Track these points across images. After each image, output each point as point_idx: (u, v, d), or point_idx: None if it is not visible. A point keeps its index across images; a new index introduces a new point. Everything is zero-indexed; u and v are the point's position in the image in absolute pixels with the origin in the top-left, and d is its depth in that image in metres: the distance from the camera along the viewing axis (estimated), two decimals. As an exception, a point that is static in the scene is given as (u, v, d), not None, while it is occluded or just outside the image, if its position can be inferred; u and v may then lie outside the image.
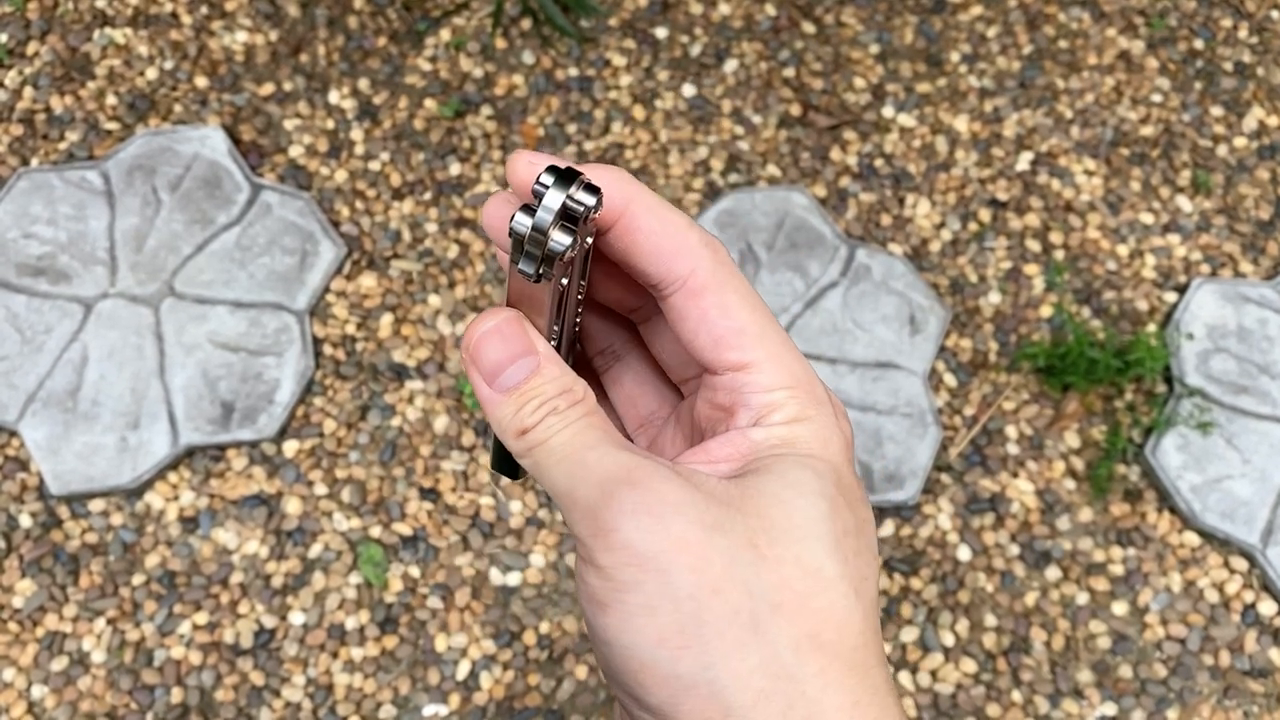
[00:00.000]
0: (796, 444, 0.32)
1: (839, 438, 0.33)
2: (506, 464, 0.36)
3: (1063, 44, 1.88)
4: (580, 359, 0.40)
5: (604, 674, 0.32)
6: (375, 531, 1.52)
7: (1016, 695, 1.47)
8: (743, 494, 0.31)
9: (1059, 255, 1.71)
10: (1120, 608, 1.52)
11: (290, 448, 1.55)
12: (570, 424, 0.32)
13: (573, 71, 1.82)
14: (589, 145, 1.76)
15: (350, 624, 1.47)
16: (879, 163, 1.77)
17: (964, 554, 1.54)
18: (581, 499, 0.31)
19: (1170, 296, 1.69)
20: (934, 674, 1.48)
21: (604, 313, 0.39)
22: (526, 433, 0.32)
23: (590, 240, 0.33)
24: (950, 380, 1.63)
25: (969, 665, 1.48)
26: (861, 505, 0.33)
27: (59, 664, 1.44)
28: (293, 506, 1.53)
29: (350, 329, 1.63)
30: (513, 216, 0.31)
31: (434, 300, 1.65)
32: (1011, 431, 1.60)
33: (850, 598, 0.30)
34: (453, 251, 1.68)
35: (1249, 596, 1.53)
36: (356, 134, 1.76)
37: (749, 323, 0.33)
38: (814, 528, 0.31)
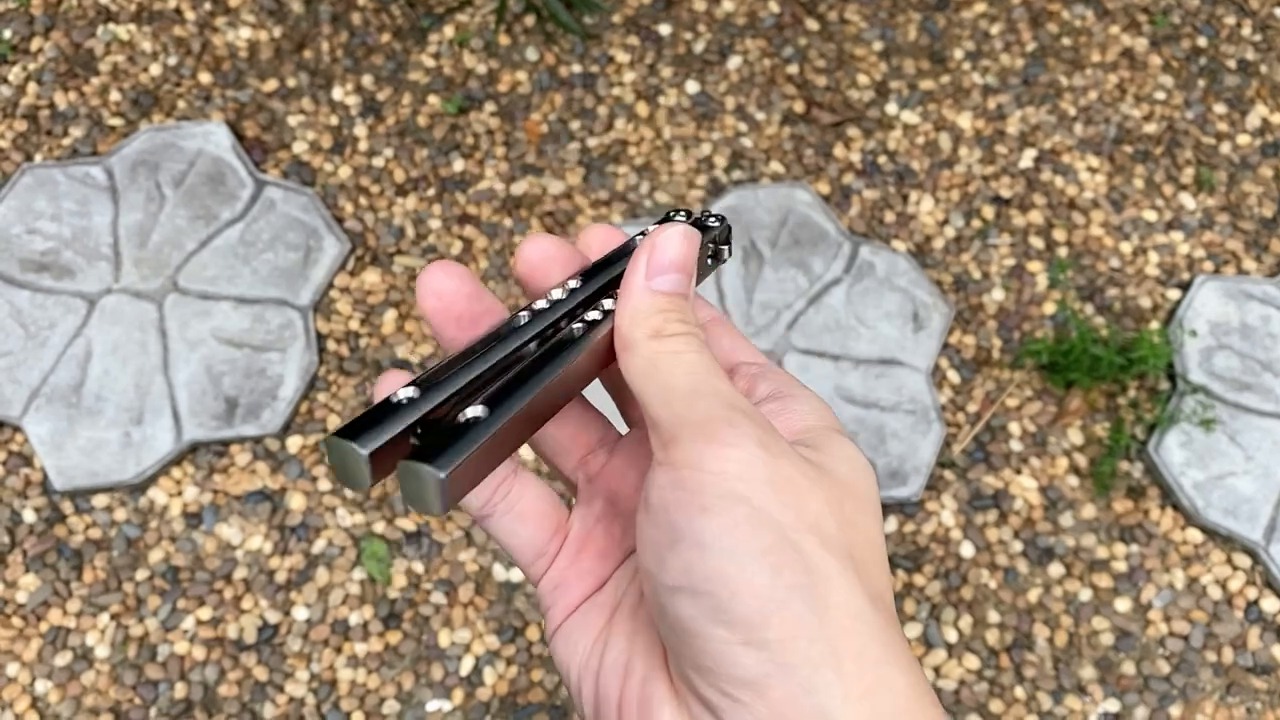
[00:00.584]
0: (838, 426, 0.35)
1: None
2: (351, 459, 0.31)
3: (1066, 41, 1.88)
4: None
5: (668, 588, 0.31)
6: (379, 527, 1.52)
7: (1019, 691, 1.47)
8: (828, 461, 0.33)
9: (1062, 252, 1.71)
10: (1123, 604, 1.52)
11: (294, 443, 1.56)
12: (703, 350, 0.34)
13: (576, 68, 1.82)
14: (592, 142, 1.76)
15: (354, 619, 1.47)
16: (882, 160, 1.77)
17: (967, 550, 1.54)
18: (702, 409, 0.31)
19: (1173, 293, 1.69)
20: (937, 670, 1.48)
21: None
22: (661, 336, 0.33)
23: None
24: (953, 377, 1.63)
25: (972, 661, 1.49)
26: None
27: (63, 659, 1.44)
28: (296, 502, 1.53)
29: (354, 325, 1.63)
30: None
31: (437, 296, 1.65)
32: (1015, 428, 1.60)
33: (889, 579, 0.33)
34: (456, 248, 1.68)
35: (1252, 593, 1.53)
36: (360, 130, 1.76)
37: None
38: (877, 508, 0.33)
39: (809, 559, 0.30)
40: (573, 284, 0.36)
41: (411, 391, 0.32)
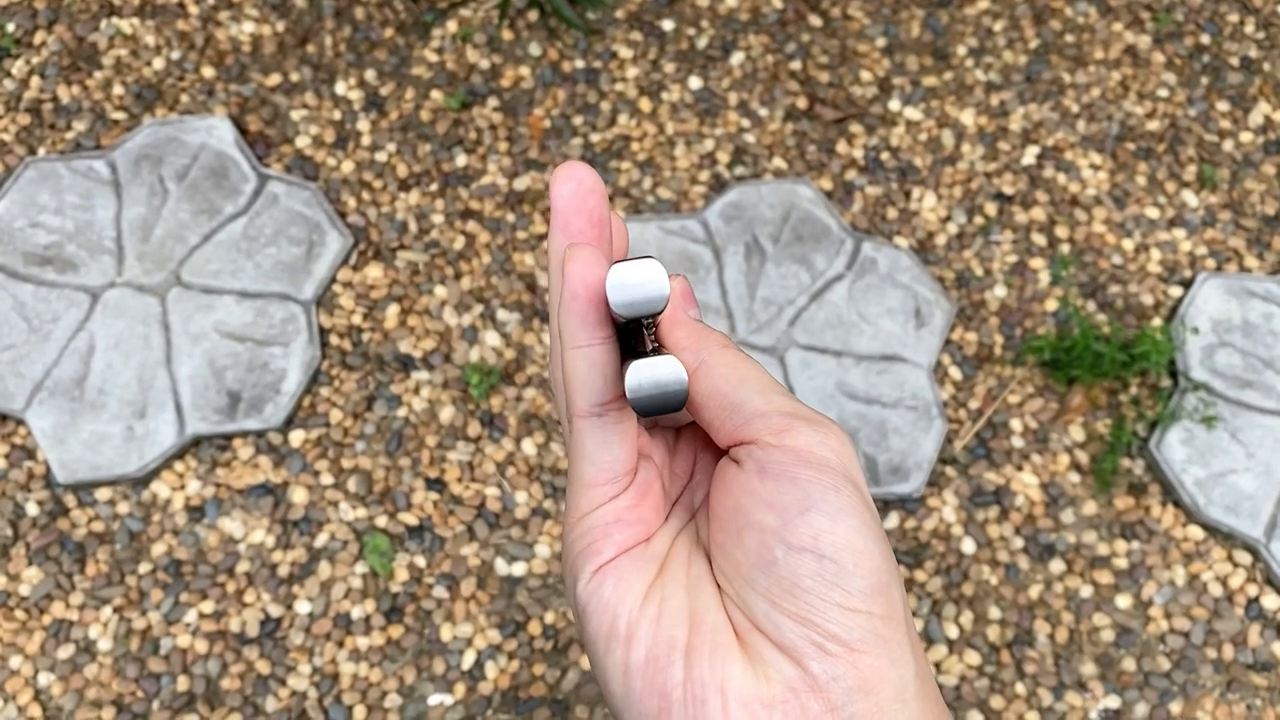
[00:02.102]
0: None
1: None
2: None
3: (1069, 38, 1.88)
4: None
5: (794, 547, 0.33)
6: (381, 521, 1.52)
7: (1020, 687, 1.47)
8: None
9: (1065, 249, 1.71)
10: (1124, 601, 1.52)
11: (296, 437, 1.56)
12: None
13: (579, 63, 1.82)
14: (595, 137, 1.76)
15: (356, 613, 1.48)
16: (885, 156, 1.77)
17: (968, 547, 1.54)
18: (793, 404, 0.36)
19: (1175, 291, 1.69)
20: (938, 666, 1.49)
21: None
22: (727, 346, 0.38)
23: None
24: (955, 373, 1.63)
25: (973, 657, 1.49)
26: None
27: (66, 652, 1.45)
28: (299, 496, 1.53)
29: (356, 319, 1.63)
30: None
31: (440, 291, 1.65)
32: (1016, 425, 1.61)
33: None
34: (459, 243, 1.68)
35: (1253, 590, 1.53)
36: (363, 125, 1.76)
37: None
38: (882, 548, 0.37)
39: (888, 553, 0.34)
40: None
41: None
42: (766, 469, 0.34)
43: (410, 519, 1.52)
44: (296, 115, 1.76)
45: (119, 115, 1.74)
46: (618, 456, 0.37)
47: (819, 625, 0.32)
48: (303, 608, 1.48)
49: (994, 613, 1.51)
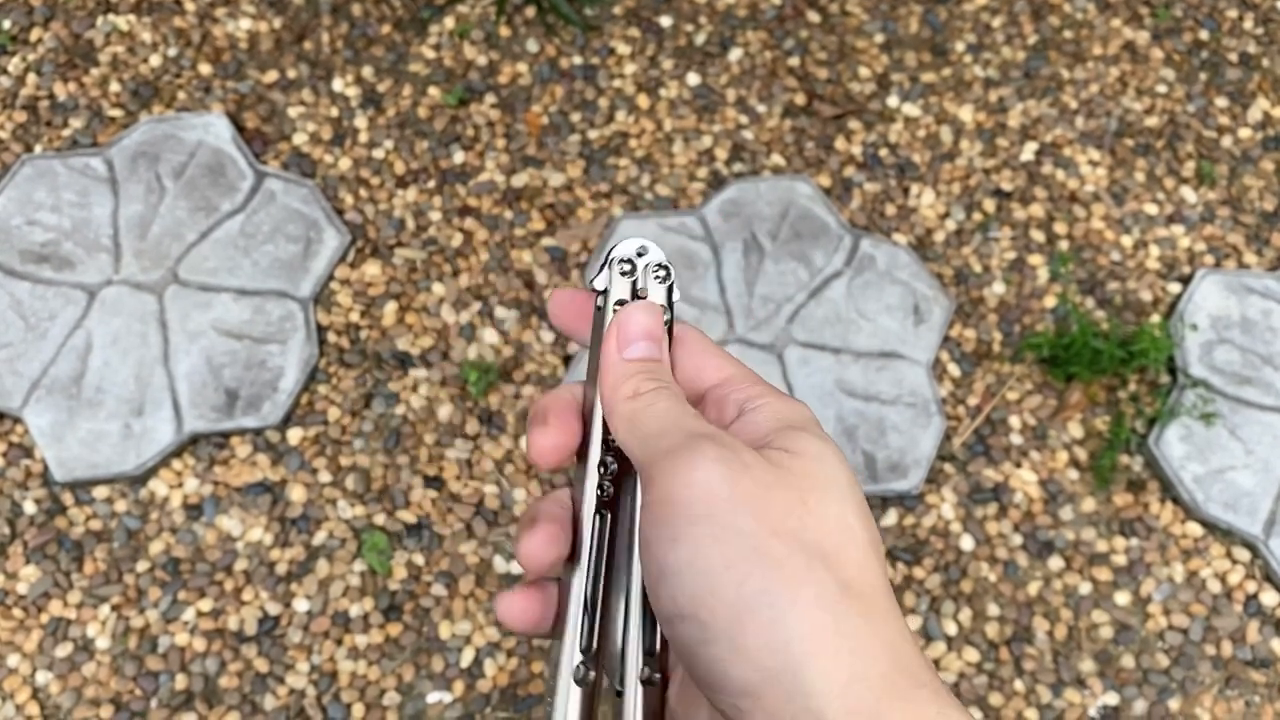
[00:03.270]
0: (794, 417, 0.38)
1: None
2: None
3: (1068, 34, 1.87)
4: None
5: (665, 618, 0.34)
6: (379, 519, 1.52)
7: (1019, 684, 1.47)
8: (790, 459, 0.35)
9: (1063, 246, 1.71)
10: (1123, 598, 1.52)
11: (294, 435, 1.56)
12: (673, 397, 0.38)
13: (577, 60, 1.82)
14: (593, 134, 1.76)
15: (354, 611, 1.48)
16: (883, 152, 1.77)
17: (967, 543, 1.54)
18: (666, 446, 0.35)
19: (1174, 287, 1.69)
20: (937, 663, 1.49)
21: None
22: (638, 395, 0.38)
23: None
24: (954, 370, 1.63)
25: (971, 654, 1.49)
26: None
27: (64, 650, 1.45)
28: (297, 494, 1.53)
29: (354, 317, 1.63)
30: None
31: (438, 288, 1.65)
32: (1015, 421, 1.60)
33: (872, 556, 0.34)
34: (456, 240, 1.68)
35: (1251, 587, 1.53)
36: (360, 122, 1.75)
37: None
38: (846, 492, 0.35)
39: (775, 560, 0.32)
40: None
41: (582, 664, 0.37)
42: (641, 542, 0.36)
43: (408, 517, 1.52)
44: (294, 112, 1.75)
45: (116, 112, 1.74)
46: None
47: (717, 687, 0.32)
48: (301, 606, 1.48)
49: (993, 610, 1.51)
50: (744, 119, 1.78)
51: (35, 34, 1.79)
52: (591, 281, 0.43)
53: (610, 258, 0.43)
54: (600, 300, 0.43)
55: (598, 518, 0.39)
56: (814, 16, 1.87)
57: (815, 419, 0.38)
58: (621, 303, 0.42)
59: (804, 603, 0.32)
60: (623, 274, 0.43)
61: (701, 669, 0.32)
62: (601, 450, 0.40)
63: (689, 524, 0.33)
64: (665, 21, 1.85)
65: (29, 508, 1.51)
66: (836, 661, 0.31)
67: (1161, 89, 1.84)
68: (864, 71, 1.83)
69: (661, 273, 0.43)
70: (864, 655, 0.32)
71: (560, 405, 0.40)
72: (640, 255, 0.44)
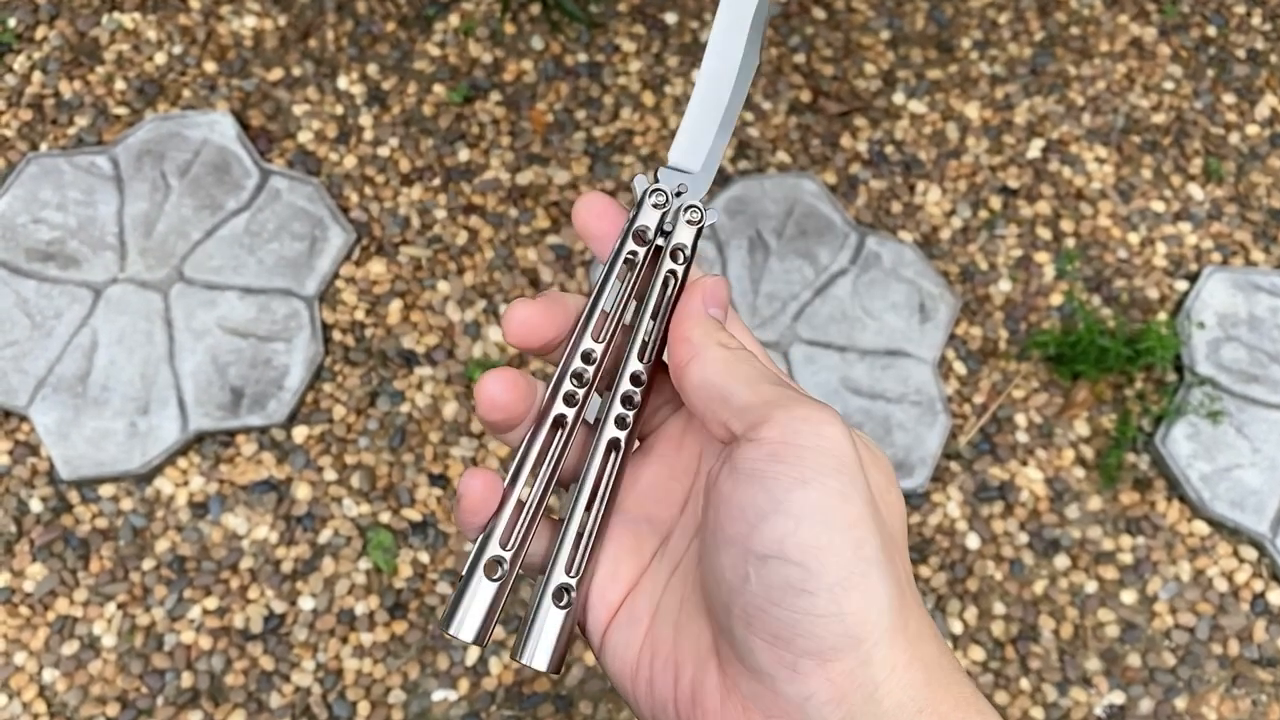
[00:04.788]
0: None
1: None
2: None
3: (1074, 30, 1.87)
4: None
5: (758, 556, 0.33)
6: (385, 517, 1.52)
7: (1025, 683, 1.47)
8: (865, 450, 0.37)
9: (1070, 243, 1.71)
10: (1129, 596, 1.52)
11: (300, 433, 1.56)
12: (762, 360, 0.38)
13: (582, 57, 1.82)
14: (598, 131, 1.76)
15: (360, 609, 1.48)
16: (889, 149, 1.76)
17: (973, 542, 1.54)
18: (786, 394, 0.35)
19: (1181, 285, 1.69)
20: (942, 661, 1.48)
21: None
22: (727, 345, 0.37)
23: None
24: (960, 368, 1.63)
25: (977, 653, 1.49)
26: None
27: (70, 648, 1.45)
28: (302, 492, 1.53)
29: (359, 315, 1.63)
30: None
31: (443, 286, 1.65)
32: (1021, 420, 1.60)
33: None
34: (461, 238, 1.68)
35: (1258, 585, 1.52)
36: (365, 120, 1.75)
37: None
38: (894, 486, 0.37)
39: (883, 532, 0.33)
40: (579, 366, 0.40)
41: (504, 554, 0.38)
42: (738, 470, 0.34)
43: (414, 515, 1.52)
44: (298, 110, 1.75)
45: (121, 110, 1.74)
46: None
47: (790, 643, 0.31)
48: (306, 604, 1.48)
49: (998, 608, 1.51)
50: (749, 116, 1.78)
51: (40, 32, 1.79)
52: (636, 187, 0.42)
53: (648, 188, 0.42)
54: (631, 218, 0.42)
55: (609, 447, 0.39)
56: (819, 13, 1.86)
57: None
58: (642, 233, 0.41)
59: (900, 580, 0.32)
60: (655, 206, 0.42)
61: (781, 620, 0.31)
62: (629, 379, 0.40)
63: (821, 472, 0.32)
64: (670, 18, 1.85)
65: (35, 506, 1.51)
66: (906, 641, 0.32)
67: (1169, 85, 1.83)
68: (870, 68, 1.82)
69: (694, 215, 0.42)
70: (924, 642, 0.32)
71: (552, 296, 0.40)
72: (678, 195, 0.42)
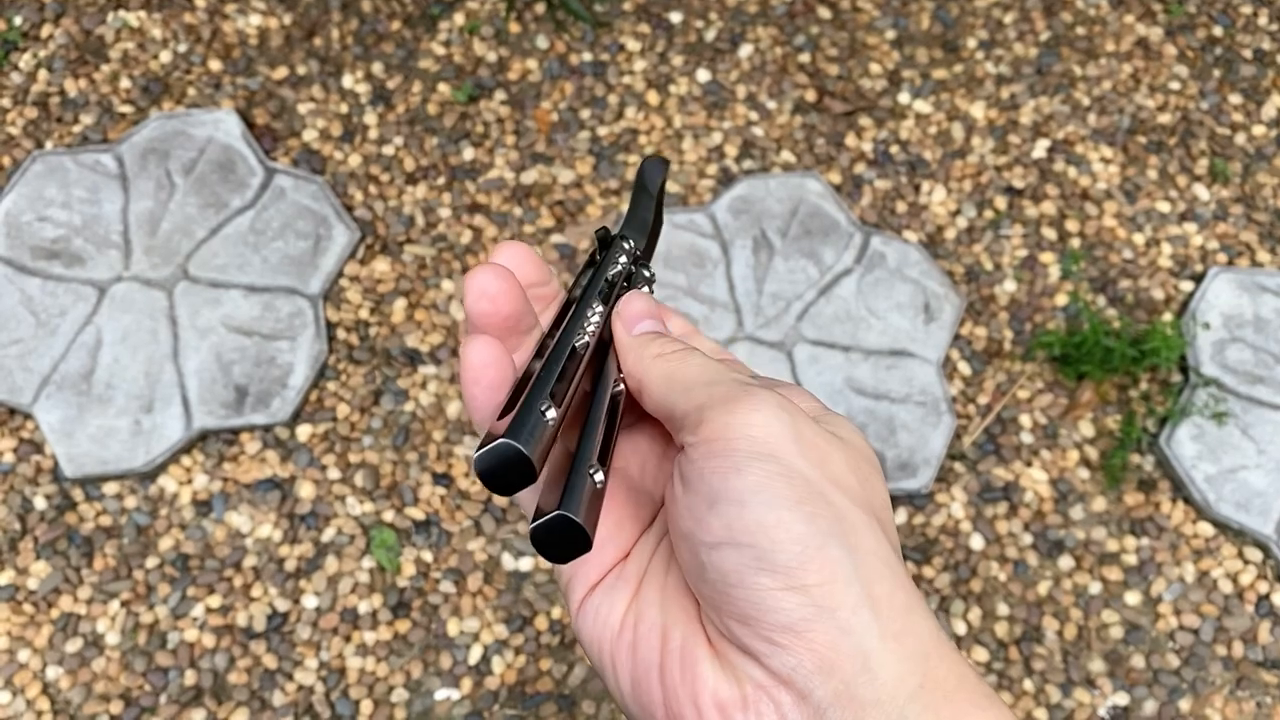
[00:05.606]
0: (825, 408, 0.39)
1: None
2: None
3: (1080, 30, 1.86)
4: None
5: (711, 545, 0.33)
6: (388, 516, 1.52)
7: (1028, 684, 1.47)
8: (832, 429, 0.36)
9: (1075, 243, 1.70)
10: (1133, 597, 1.51)
11: (303, 432, 1.56)
12: (705, 354, 0.38)
13: (587, 56, 1.81)
14: (602, 131, 1.76)
15: (363, 608, 1.48)
16: (894, 149, 1.76)
17: (977, 543, 1.54)
18: (720, 393, 0.35)
19: (1186, 285, 1.68)
20: (946, 662, 1.48)
21: None
22: (667, 354, 0.38)
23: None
24: (964, 368, 1.62)
25: (981, 654, 1.48)
26: None
27: (73, 645, 1.45)
28: (306, 490, 1.53)
29: (363, 314, 1.63)
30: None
31: (447, 285, 1.65)
32: (1025, 420, 1.60)
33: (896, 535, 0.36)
34: (465, 237, 1.68)
35: (1263, 587, 1.52)
36: (370, 118, 1.75)
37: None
38: (880, 473, 0.36)
39: (838, 508, 0.32)
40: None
41: (553, 412, 0.35)
42: (684, 475, 0.34)
43: (417, 513, 1.52)
44: (303, 108, 1.75)
45: (126, 109, 1.74)
46: None
47: (760, 619, 0.32)
48: (310, 602, 1.48)
49: (1002, 609, 1.50)
50: (754, 115, 1.77)
51: (46, 30, 1.79)
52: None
53: (620, 236, 0.45)
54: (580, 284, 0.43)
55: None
56: (825, 12, 1.86)
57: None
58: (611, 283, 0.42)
59: (866, 551, 0.32)
60: (625, 254, 0.44)
61: (745, 600, 0.32)
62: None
63: (753, 458, 0.32)
64: (675, 18, 1.85)
65: (39, 503, 1.52)
66: (892, 611, 0.32)
67: (1174, 86, 1.82)
68: (875, 68, 1.82)
69: (648, 273, 0.45)
70: (914, 614, 0.32)
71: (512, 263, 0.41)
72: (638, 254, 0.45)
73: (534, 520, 0.34)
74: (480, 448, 0.33)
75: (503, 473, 0.33)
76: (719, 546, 0.32)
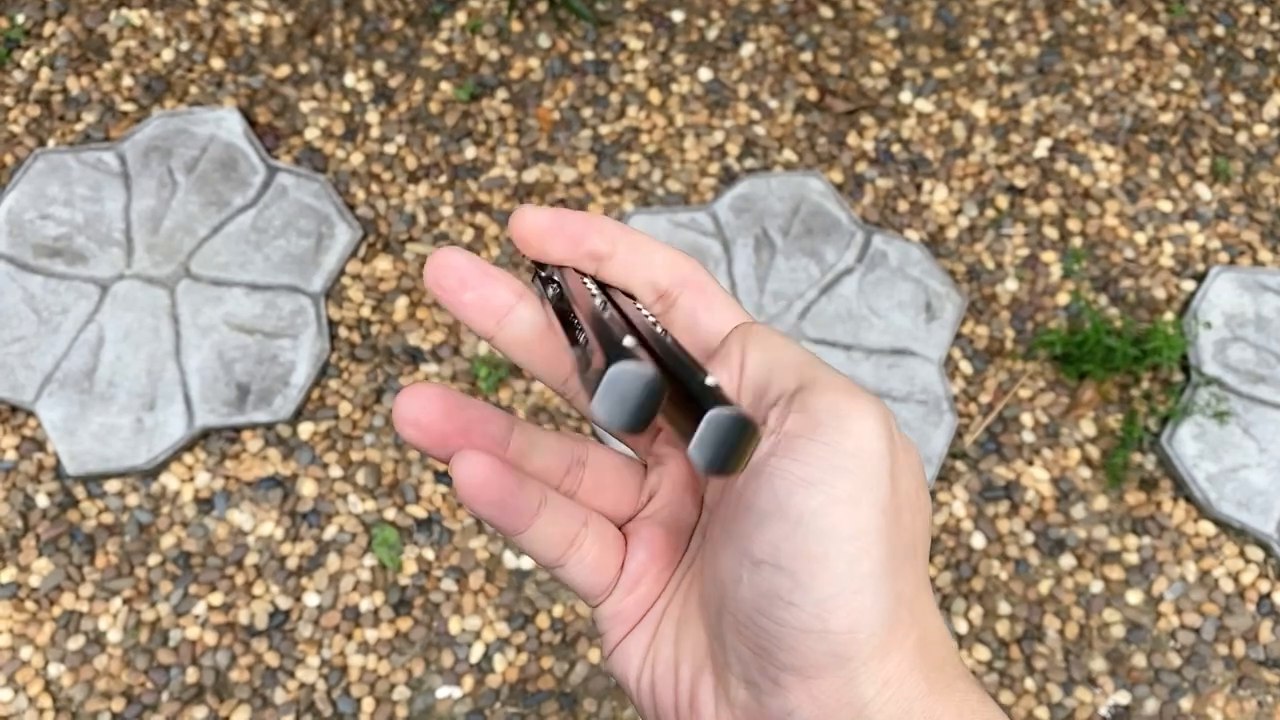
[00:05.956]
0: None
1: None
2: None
3: (1082, 30, 1.86)
4: None
5: (753, 560, 0.30)
6: (390, 514, 1.52)
7: (1029, 683, 1.47)
8: (906, 441, 0.33)
9: (1077, 242, 1.70)
10: (1134, 596, 1.51)
11: (305, 430, 1.56)
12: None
13: (588, 55, 1.81)
14: (604, 129, 1.76)
15: (365, 606, 1.48)
16: (896, 148, 1.76)
17: (978, 541, 1.54)
18: (823, 382, 0.31)
19: (1188, 285, 1.68)
20: (947, 661, 1.48)
21: None
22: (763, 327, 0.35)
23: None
24: (966, 367, 1.63)
25: (982, 653, 1.48)
26: None
27: (75, 643, 1.45)
28: (308, 488, 1.53)
29: (365, 312, 1.63)
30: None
31: (449, 284, 1.65)
32: (1027, 419, 1.60)
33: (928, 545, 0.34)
34: (468, 235, 1.68)
35: (1264, 586, 1.52)
36: (372, 117, 1.75)
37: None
38: (922, 474, 0.34)
39: (891, 546, 0.30)
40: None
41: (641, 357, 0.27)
42: (751, 464, 0.31)
43: (419, 512, 1.52)
44: (305, 107, 1.75)
45: (128, 107, 1.74)
46: (592, 583, 0.36)
47: (772, 655, 0.30)
48: (311, 600, 1.48)
49: (1004, 608, 1.51)
50: (756, 114, 1.78)
51: (48, 28, 1.80)
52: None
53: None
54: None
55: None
56: (826, 11, 1.86)
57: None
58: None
59: (898, 598, 0.30)
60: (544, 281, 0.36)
61: (767, 627, 0.30)
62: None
63: (833, 472, 0.29)
64: (677, 16, 1.85)
65: (41, 501, 1.52)
66: (901, 656, 0.30)
67: (1176, 85, 1.82)
68: (877, 67, 1.82)
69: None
70: (920, 656, 0.31)
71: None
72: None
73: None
74: (593, 392, 0.26)
75: (634, 397, 0.26)
76: (762, 565, 0.30)
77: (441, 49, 1.81)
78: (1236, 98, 1.82)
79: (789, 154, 1.74)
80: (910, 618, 0.31)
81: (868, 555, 0.29)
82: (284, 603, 1.48)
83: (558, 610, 1.48)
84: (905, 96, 1.80)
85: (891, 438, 0.31)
